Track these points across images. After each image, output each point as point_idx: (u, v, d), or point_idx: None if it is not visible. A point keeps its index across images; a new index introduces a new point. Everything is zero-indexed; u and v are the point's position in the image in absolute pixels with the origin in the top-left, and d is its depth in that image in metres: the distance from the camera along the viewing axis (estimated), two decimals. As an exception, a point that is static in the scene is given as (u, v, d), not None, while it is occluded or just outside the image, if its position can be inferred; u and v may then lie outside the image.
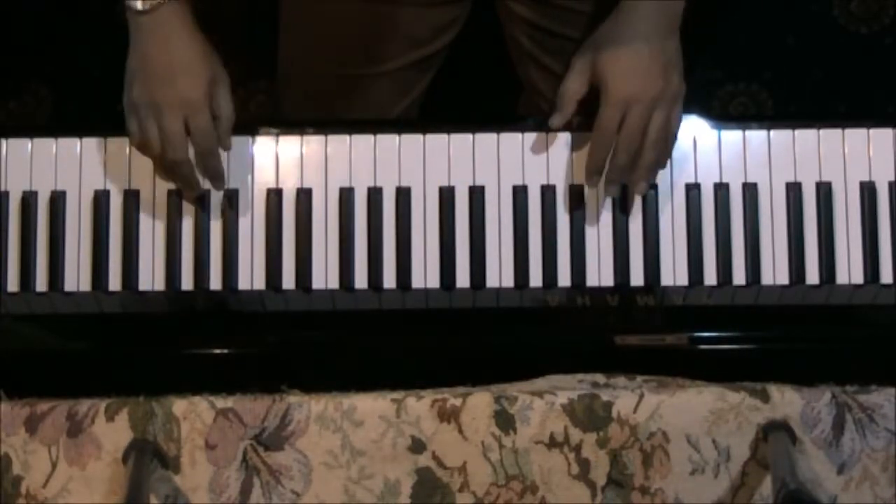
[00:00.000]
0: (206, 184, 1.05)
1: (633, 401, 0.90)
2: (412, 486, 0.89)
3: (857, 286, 1.05)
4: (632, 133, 1.01)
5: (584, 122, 1.05)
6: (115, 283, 1.06)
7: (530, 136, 1.07)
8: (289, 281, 1.06)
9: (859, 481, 0.90)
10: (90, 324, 1.07)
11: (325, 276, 1.06)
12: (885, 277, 1.05)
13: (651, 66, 1.00)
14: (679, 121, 1.04)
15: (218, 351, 1.05)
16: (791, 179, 1.07)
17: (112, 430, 0.90)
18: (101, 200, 1.06)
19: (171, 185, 1.06)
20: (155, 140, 1.01)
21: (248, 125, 1.08)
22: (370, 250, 1.06)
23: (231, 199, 1.06)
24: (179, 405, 0.90)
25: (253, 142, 1.08)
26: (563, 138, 1.07)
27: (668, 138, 1.03)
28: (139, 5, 0.96)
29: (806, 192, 1.06)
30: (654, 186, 1.06)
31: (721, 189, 1.06)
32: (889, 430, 0.90)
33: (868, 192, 1.06)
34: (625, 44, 1.01)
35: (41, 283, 1.06)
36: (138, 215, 1.06)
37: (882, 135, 1.07)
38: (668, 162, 1.06)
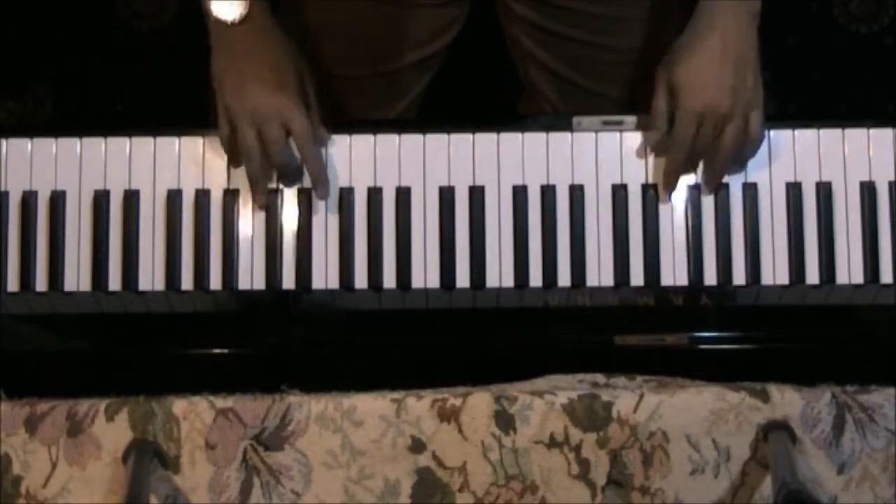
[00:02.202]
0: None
1: (633, 401, 0.90)
2: (412, 486, 0.89)
3: (857, 286, 1.05)
4: (704, 145, 1.02)
5: (584, 121, 1.06)
6: (115, 283, 1.06)
7: (530, 136, 1.07)
8: (289, 281, 1.06)
9: (859, 481, 0.90)
10: (90, 324, 1.07)
11: (325, 276, 1.06)
12: (885, 277, 1.05)
13: (725, 77, 1.00)
14: (760, 124, 1.03)
15: (218, 351, 1.05)
16: (791, 179, 1.07)
17: (112, 430, 0.90)
18: (101, 200, 1.06)
19: (172, 186, 1.06)
20: (253, 146, 1.01)
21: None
22: (370, 250, 1.06)
23: (231, 199, 1.06)
24: (179, 405, 0.90)
25: (253, 142, 1.08)
26: (564, 138, 1.07)
27: (748, 143, 1.03)
28: (229, 19, 0.96)
29: (806, 192, 1.06)
30: (654, 186, 1.06)
31: (721, 189, 1.06)
32: (889, 430, 0.90)
33: (868, 192, 1.06)
34: (697, 54, 1.00)
35: (41, 283, 1.06)
36: (138, 215, 1.06)
37: (882, 135, 1.07)
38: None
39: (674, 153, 1.03)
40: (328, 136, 1.06)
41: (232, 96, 1.01)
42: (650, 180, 1.06)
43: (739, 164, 1.05)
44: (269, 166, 1.04)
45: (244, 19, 0.96)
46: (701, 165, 1.05)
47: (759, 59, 1.02)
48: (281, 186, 1.07)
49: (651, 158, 1.06)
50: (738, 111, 1.01)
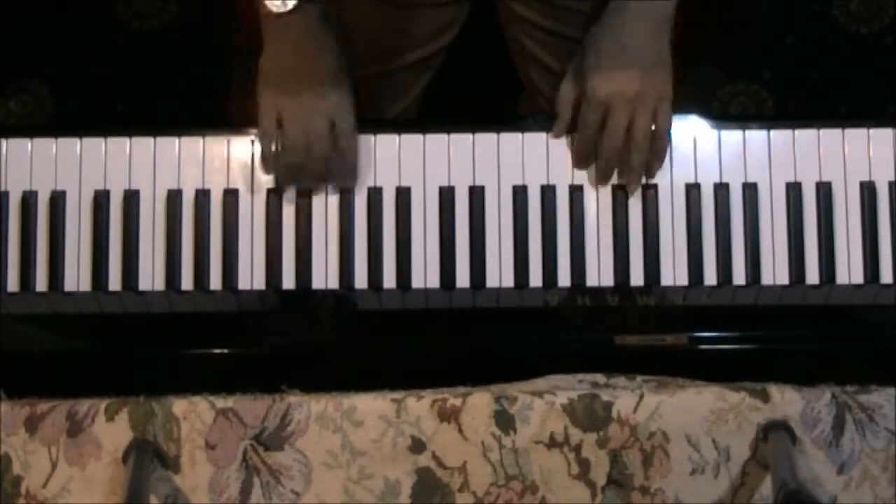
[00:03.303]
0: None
1: (633, 401, 0.90)
2: (412, 486, 0.89)
3: (857, 286, 1.05)
4: (613, 133, 1.03)
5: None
6: (115, 283, 1.06)
7: (530, 136, 1.07)
8: (289, 281, 1.06)
9: (859, 481, 0.90)
10: (90, 324, 1.07)
11: (325, 276, 1.06)
12: (885, 277, 1.05)
13: (632, 67, 1.02)
14: (668, 122, 1.04)
15: (218, 351, 1.05)
16: (791, 179, 1.07)
17: (112, 430, 0.90)
18: (101, 200, 1.06)
19: (172, 186, 1.06)
20: (300, 139, 1.02)
21: (248, 125, 1.08)
22: (370, 250, 1.06)
23: (231, 199, 1.06)
24: (179, 405, 0.90)
25: (253, 142, 1.08)
26: (564, 138, 1.07)
27: (657, 139, 1.04)
28: (281, 10, 0.96)
29: (806, 192, 1.06)
30: (654, 186, 1.06)
31: (721, 189, 1.06)
32: (889, 430, 0.90)
33: (868, 192, 1.06)
34: (608, 45, 1.02)
35: (41, 283, 1.06)
36: (138, 215, 1.06)
37: (882, 135, 1.07)
38: (668, 162, 1.06)
39: (579, 144, 1.05)
40: (356, 156, 1.06)
41: (281, 91, 1.01)
42: (650, 181, 1.06)
43: (652, 165, 1.05)
44: (310, 161, 1.04)
45: (295, 10, 0.96)
46: (610, 163, 1.05)
47: (670, 59, 1.03)
48: (281, 186, 1.07)
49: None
50: (646, 101, 1.02)
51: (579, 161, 1.06)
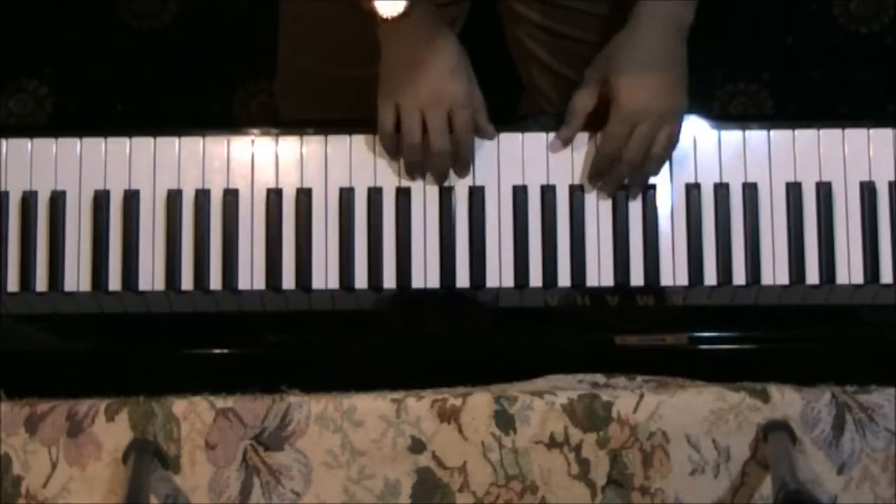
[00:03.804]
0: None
1: (633, 401, 0.90)
2: (412, 486, 0.89)
3: (857, 286, 1.06)
4: (638, 147, 1.02)
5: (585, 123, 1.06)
6: (115, 283, 1.06)
7: (530, 136, 1.07)
8: (289, 281, 1.06)
9: (859, 481, 0.90)
10: (90, 324, 1.07)
11: (325, 276, 1.06)
12: (885, 277, 1.05)
13: (661, 81, 1.01)
14: (680, 131, 1.04)
15: (218, 351, 1.05)
16: (791, 179, 1.07)
17: (112, 430, 0.90)
18: (101, 200, 1.07)
19: (172, 186, 1.06)
20: (418, 134, 1.02)
21: (248, 125, 1.08)
22: (370, 250, 1.06)
23: (231, 199, 1.06)
24: (179, 405, 0.90)
25: (253, 142, 1.08)
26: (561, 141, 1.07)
27: (671, 149, 1.04)
28: (392, 14, 0.97)
29: (806, 192, 1.06)
30: (654, 186, 1.06)
31: (721, 189, 1.06)
32: (889, 430, 0.90)
33: (868, 192, 1.06)
34: (636, 57, 1.01)
35: (41, 283, 1.06)
36: (138, 215, 1.06)
37: (882, 135, 1.07)
38: (668, 162, 1.06)
39: (602, 155, 1.04)
40: (494, 133, 1.06)
41: (401, 88, 1.02)
42: (650, 181, 1.06)
43: (658, 171, 1.06)
44: (431, 157, 1.04)
45: (406, 13, 0.97)
46: (626, 173, 1.05)
47: (686, 71, 1.03)
48: (281, 186, 1.07)
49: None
50: (670, 115, 1.02)
51: (598, 171, 1.05)
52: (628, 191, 1.06)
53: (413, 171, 1.06)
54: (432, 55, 1.01)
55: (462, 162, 1.05)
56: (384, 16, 0.97)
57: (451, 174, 1.06)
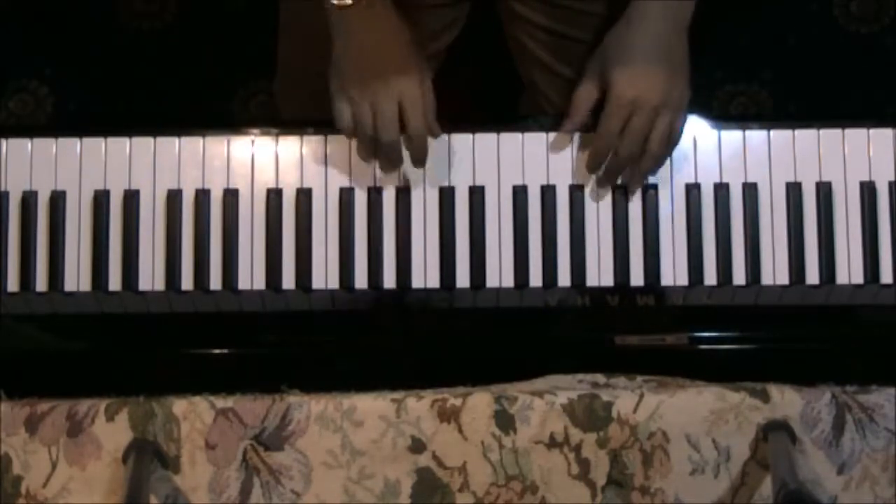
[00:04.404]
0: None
1: (633, 401, 0.90)
2: (412, 486, 0.89)
3: (857, 286, 1.06)
4: (634, 138, 1.02)
5: (586, 123, 1.06)
6: (115, 283, 1.06)
7: (530, 136, 1.07)
8: (289, 281, 1.06)
9: (859, 481, 0.90)
10: (90, 324, 1.07)
11: (325, 276, 1.06)
12: (885, 277, 1.05)
13: (658, 71, 1.01)
14: (682, 126, 1.04)
15: (218, 351, 1.05)
16: (791, 179, 1.07)
17: (112, 430, 0.90)
18: (101, 200, 1.07)
19: (172, 186, 1.06)
20: (369, 125, 1.02)
21: (248, 125, 1.08)
22: (370, 250, 1.06)
23: (231, 199, 1.06)
24: (179, 405, 0.90)
25: (253, 142, 1.08)
26: (564, 138, 1.07)
27: (671, 143, 1.04)
28: (342, 2, 0.97)
29: (806, 192, 1.06)
30: (654, 186, 1.06)
31: (721, 189, 1.06)
32: (889, 430, 0.90)
33: (868, 192, 1.06)
34: (632, 48, 1.01)
35: (41, 283, 1.06)
36: (138, 215, 1.06)
37: (882, 135, 1.07)
38: (668, 162, 1.06)
39: (598, 147, 1.04)
40: (440, 132, 1.05)
41: (351, 77, 1.01)
42: (650, 180, 1.06)
43: (659, 165, 1.05)
44: (384, 147, 1.03)
45: (358, 1, 0.97)
46: (623, 165, 1.05)
47: (688, 64, 1.03)
48: (281, 186, 1.07)
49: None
50: (668, 108, 1.02)
51: (594, 163, 1.05)
52: (627, 186, 1.06)
53: (369, 161, 1.05)
54: (383, 46, 1.01)
55: (416, 154, 1.04)
56: (335, 2, 0.97)
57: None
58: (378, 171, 1.06)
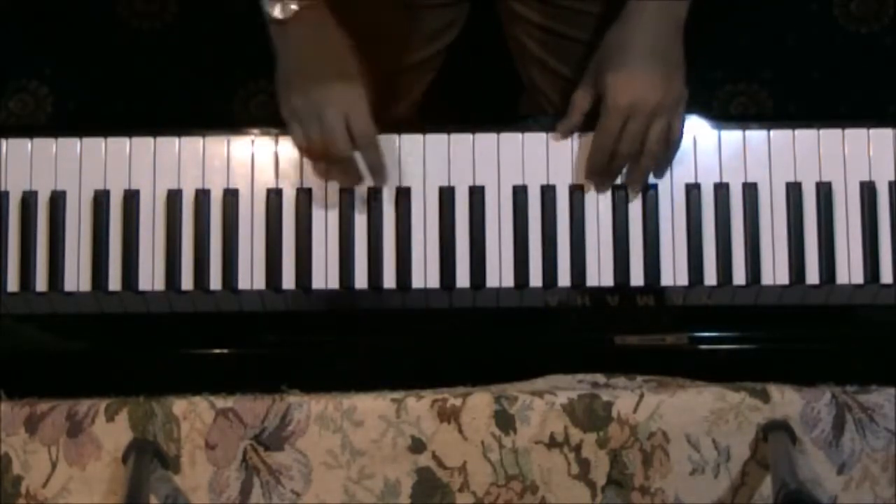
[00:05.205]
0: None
1: (633, 401, 0.90)
2: (412, 486, 0.89)
3: (857, 286, 1.05)
4: (631, 141, 1.02)
5: (585, 123, 1.06)
6: (115, 283, 1.06)
7: (530, 136, 1.07)
8: (289, 281, 1.06)
9: (859, 481, 0.90)
10: (90, 324, 1.07)
11: (325, 276, 1.06)
12: (885, 277, 1.05)
13: (652, 74, 1.01)
14: (682, 126, 1.04)
15: (218, 351, 1.05)
16: (791, 179, 1.07)
17: (112, 430, 0.90)
18: (101, 200, 1.06)
19: (172, 186, 1.06)
20: (319, 140, 1.01)
21: (248, 125, 1.08)
22: (370, 250, 1.06)
23: (231, 199, 1.06)
24: (179, 405, 0.90)
25: (253, 142, 1.08)
26: (563, 138, 1.07)
27: (670, 145, 1.04)
28: (279, 14, 0.97)
29: (806, 192, 1.06)
30: (654, 186, 1.06)
31: (721, 189, 1.06)
32: (889, 430, 0.90)
33: (868, 192, 1.06)
34: (628, 51, 1.01)
35: (41, 283, 1.06)
36: (138, 215, 1.06)
37: (882, 135, 1.07)
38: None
39: (596, 151, 1.04)
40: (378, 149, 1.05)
41: (297, 93, 1.01)
42: (650, 181, 1.06)
43: (661, 166, 1.06)
44: (336, 161, 1.04)
45: (298, 16, 0.97)
46: (622, 168, 1.05)
47: (684, 64, 1.03)
48: (281, 186, 1.07)
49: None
50: (664, 110, 1.02)
51: (594, 168, 1.05)
52: (627, 188, 1.06)
53: (328, 176, 1.05)
54: (322, 58, 1.01)
55: (372, 167, 1.04)
56: (276, 17, 0.97)
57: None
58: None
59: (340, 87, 1.01)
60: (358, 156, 1.04)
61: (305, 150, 1.03)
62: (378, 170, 1.05)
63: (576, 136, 1.07)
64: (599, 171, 1.05)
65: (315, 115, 1.01)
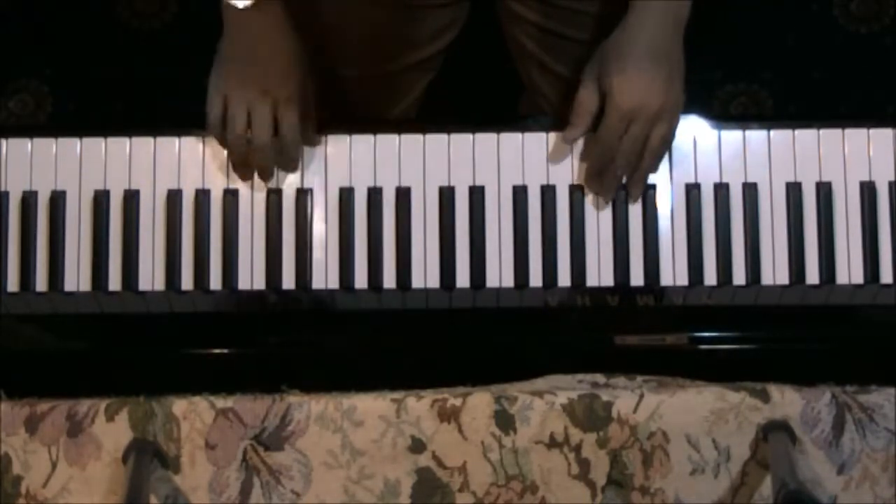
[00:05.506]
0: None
1: (633, 401, 0.90)
2: (412, 486, 0.89)
3: (857, 286, 1.06)
4: (634, 144, 1.02)
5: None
6: (115, 283, 1.06)
7: (530, 136, 1.07)
8: (289, 281, 1.06)
9: (859, 481, 0.90)
10: (90, 324, 1.07)
11: (325, 276, 1.06)
12: (885, 277, 1.05)
13: (655, 78, 1.01)
14: (676, 129, 1.04)
15: (218, 351, 1.05)
16: (791, 179, 1.07)
17: (112, 430, 0.90)
18: (101, 200, 1.07)
19: (172, 186, 1.06)
20: (242, 126, 1.02)
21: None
22: (370, 250, 1.06)
23: (231, 199, 1.06)
24: (179, 405, 0.90)
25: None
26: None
27: (667, 147, 1.04)
28: (241, 4, 0.97)
29: (806, 192, 1.06)
30: (654, 186, 1.06)
31: (721, 189, 1.06)
32: (889, 430, 0.90)
33: (868, 192, 1.06)
34: (630, 54, 1.01)
35: (41, 283, 1.06)
36: (138, 215, 1.06)
37: (882, 135, 1.07)
38: (668, 162, 1.06)
39: (598, 153, 1.04)
40: (318, 141, 1.07)
41: (232, 79, 1.02)
42: (650, 180, 1.06)
43: (655, 169, 1.06)
44: (253, 150, 1.04)
45: (255, 5, 0.97)
46: (623, 171, 1.05)
47: (683, 66, 1.03)
48: (282, 186, 1.07)
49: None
50: (666, 112, 1.02)
51: (594, 172, 1.05)
52: (627, 193, 1.06)
53: (238, 164, 1.05)
54: (270, 52, 1.01)
55: (287, 160, 1.05)
56: (233, 4, 0.97)
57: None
58: (377, 172, 1.06)
59: (279, 82, 1.01)
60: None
61: (220, 129, 1.04)
62: (292, 168, 1.06)
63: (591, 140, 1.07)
64: (599, 175, 1.05)
65: (245, 99, 1.01)
